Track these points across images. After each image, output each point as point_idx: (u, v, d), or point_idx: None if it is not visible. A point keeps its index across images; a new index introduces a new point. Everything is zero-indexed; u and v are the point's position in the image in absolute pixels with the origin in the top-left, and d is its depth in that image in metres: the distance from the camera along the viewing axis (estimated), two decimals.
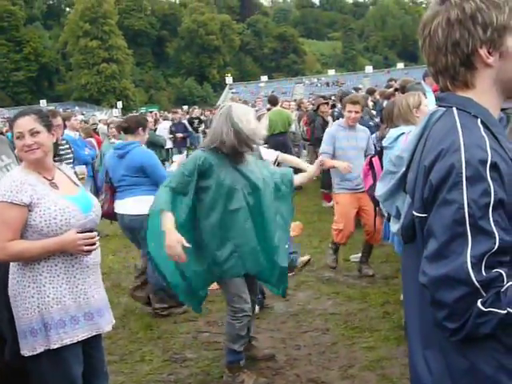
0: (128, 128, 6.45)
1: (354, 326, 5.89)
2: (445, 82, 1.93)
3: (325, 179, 12.16)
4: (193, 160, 4.47)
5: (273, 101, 14.42)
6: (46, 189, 3.41)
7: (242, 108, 4.61)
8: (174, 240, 4.23)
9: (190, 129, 19.52)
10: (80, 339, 3.44)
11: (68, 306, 3.39)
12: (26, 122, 3.41)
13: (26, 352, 3.38)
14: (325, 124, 11.97)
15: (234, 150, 4.46)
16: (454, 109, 1.87)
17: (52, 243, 3.32)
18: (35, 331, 3.35)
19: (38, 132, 3.41)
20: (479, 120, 1.82)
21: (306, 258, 6.93)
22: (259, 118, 5.13)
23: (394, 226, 2.11)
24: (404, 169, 2.03)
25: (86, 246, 3.35)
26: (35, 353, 3.36)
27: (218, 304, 6.62)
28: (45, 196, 3.36)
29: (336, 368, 5.01)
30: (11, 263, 3.45)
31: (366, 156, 7.16)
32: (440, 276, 1.71)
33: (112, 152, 6.51)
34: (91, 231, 3.41)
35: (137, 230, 6.04)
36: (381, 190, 2.20)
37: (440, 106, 1.95)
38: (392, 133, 5.27)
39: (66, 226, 3.35)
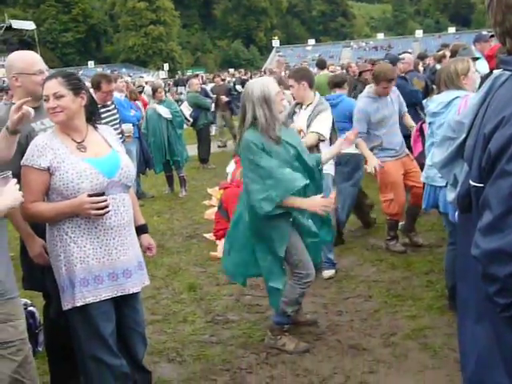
0: (338, 83, 8.08)
1: (397, 293, 5.85)
2: None
3: None
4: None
5: (321, 64, 14.17)
6: (68, 152, 3.45)
7: (260, 90, 4.45)
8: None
9: (235, 92, 19.33)
10: (103, 298, 3.49)
11: (91, 265, 3.45)
12: (52, 85, 3.45)
13: (64, 305, 3.51)
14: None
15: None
16: None
17: (63, 206, 3.41)
18: (63, 288, 3.49)
19: (62, 96, 3.44)
20: None
21: (331, 272, 6.50)
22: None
23: (450, 195, 2.04)
24: (464, 135, 1.95)
25: (94, 210, 3.37)
26: (66, 308, 3.49)
27: None
28: (65, 159, 3.42)
29: (378, 335, 4.99)
30: (47, 224, 3.57)
31: (401, 114, 7.06)
32: (493, 249, 1.65)
33: None
34: (102, 195, 3.41)
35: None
36: (438, 156, 2.12)
37: (505, 70, 1.85)
38: (442, 97, 5.10)
39: (84, 189, 3.39)
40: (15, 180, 3.02)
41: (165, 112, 11.01)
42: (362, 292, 5.98)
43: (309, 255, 4.70)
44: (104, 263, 3.49)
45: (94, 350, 3.53)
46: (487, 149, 1.70)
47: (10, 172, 3.05)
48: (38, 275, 3.89)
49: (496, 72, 1.90)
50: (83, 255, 3.44)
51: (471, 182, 1.80)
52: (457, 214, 4.79)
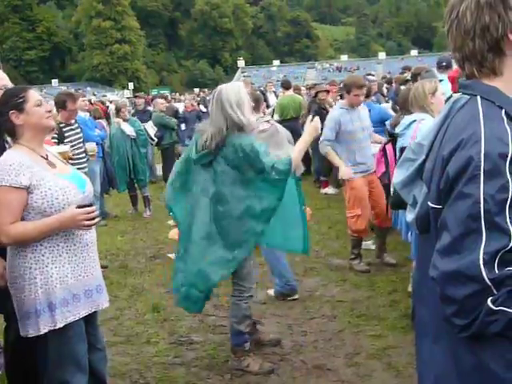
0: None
1: (361, 313, 5.86)
2: (471, 68, 1.85)
3: (320, 167, 12.19)
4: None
5: (286, 85, 14.29)
6: (43, 169, 3.38)
7: (233, 93, 4.44)
8: None
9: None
10: (81, 316, 3.46)
11: (70, 284, 3.40)
12: (37, 93, 3.52)
13: (30, 332, 3.37)
14: (320, 112, 11.88)
15: None
16: (478, 97, 1.79)
17: (53, 221, 3.31)
18: (39, 312, 3.34)
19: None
20: (503, 111, 1.75)
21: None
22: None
23: (409, 216, 2.07)
24: (424, 157, 1.97)
25: (86, 220, 3.34)
26: (40, 333, 3.36)
27: (224, 288, 6.60)
28: (44, 177, 3.34)
29: (342, 355, 4.99)
30: (10, 247, 3.44)
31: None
32: (451, 271, 1.67)
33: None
34: (90, 206, 3.40)
35: None
36: (399, 177, 2.14)
37: (464, 94, 1.88)
38: (405, 120, 5.22)
39: (67, 205, 3.34)
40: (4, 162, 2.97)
41: (129, 130, 10.95)
42: (326, 312, 5.98)
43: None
44: (81, 281, 3.46)
45: (67, 375, 3.46)
46: (445, 171, 1.73)
47: None
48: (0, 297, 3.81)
49: (455, 95, 1.94)
50: (62, 275, 3.37)
51: (430, 204, 1.83)
52: (413, 234, 4.89)
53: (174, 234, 8.94)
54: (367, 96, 8.99)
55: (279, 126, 5.91)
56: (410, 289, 5.78)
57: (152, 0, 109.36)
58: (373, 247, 7.82)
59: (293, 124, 11.61)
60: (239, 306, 4.71)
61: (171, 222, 10.02)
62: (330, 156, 6.98)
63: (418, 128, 4.91)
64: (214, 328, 5.72)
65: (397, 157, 5.58)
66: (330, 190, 12.06)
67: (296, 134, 11.16)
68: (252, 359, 4.82)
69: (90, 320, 3.63)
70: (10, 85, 4.05)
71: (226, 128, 4.37)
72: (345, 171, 6.81)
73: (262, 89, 23.65)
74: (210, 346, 5.34)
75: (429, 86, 5.10)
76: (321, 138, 6.95)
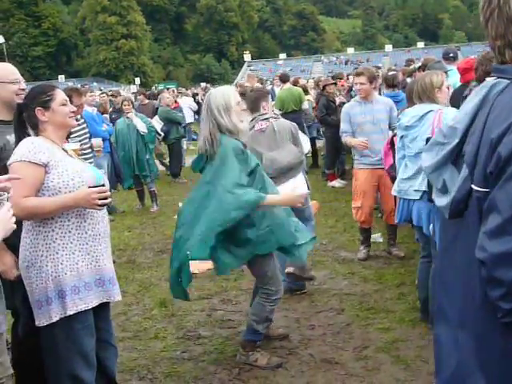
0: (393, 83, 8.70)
1: (369, 306, 5.84)
2: None
3: (328, 160, 12.20)
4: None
5: (283, 78, 14.33)
6: (61, 154, 3.51)
7: (221, 98, 4.43)
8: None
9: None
10: (94, 305, 3.49)
11: (81, 272, 3.43)
12: (63, 93, 3.66)
13: (43, 321, 3.41)
14: (328, 105, 11.89)
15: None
16: None
17: (66, 198, 3.37)
18: (50, 300, 3.38)
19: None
20: None
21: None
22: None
23: (441, 200, 2.03)
24: (457, 140, 1.95)
25: (99, 200, 3.38)
26: (51, 321, 3.38)
27: (232, 282, 6.62)
28: (62, 159, 3.45)
29: (350, 349, 4.98)
30: (23, 236, 3.47)
31: (391, 128, 7.07)
32: (501, 253, 1.65)
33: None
34: (102, 186, 3.45)
35: None
36: (428, 161, 2.12)
37: (500, 78, 1.87)
38: (416, 111, 5.11)
39: (83, 185, 3.42)
40: (9, 204, 2.92)
41: (142, 126, 10.93)
42: (334, 305, 5.96)
43: (279, 272, 4.68)
44: (92, 269, 3.49)
45: (75, 369, 3.47)
46: (496, 153, 1.71)
47: (6, 195, 2.99)
48: (7, 292, 3.81)
49: (490, 80, 1.93)
50: (72, 262, 3.41)
51: (474, 187, 1.80)
52: (432, 226, 4.83)
53: None
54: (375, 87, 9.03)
55: (280, 122, 5.87)
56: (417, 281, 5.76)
57: None
58: (380, 240, 7.83)
59: (294, 117, 11.51)
60: (264, 307, 4.67)
61: None
62: (349, 143, 7.20)
63: (443, 117, 4.80)
64: (222, 323, 5.72)
65: (397, 149, 5.52)
66: (336, 183, 12.04)
67: (298, 126, 11.20)
68: (260, 354, 4.81)
69: (102, 315, 3.65)
70: (21, 78, 4.09)
71: (218, 132, 4.40)
72: (357, 142, 6.94)
73: (269, 82, 23.68)
74: (218, 340, 5.34)
75: (436, 78, 5.02)
76: (340, 131, 7.34)
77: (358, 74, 7.05)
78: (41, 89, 3.62)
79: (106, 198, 3.42)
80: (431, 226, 5.01)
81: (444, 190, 2.00)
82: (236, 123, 4.43)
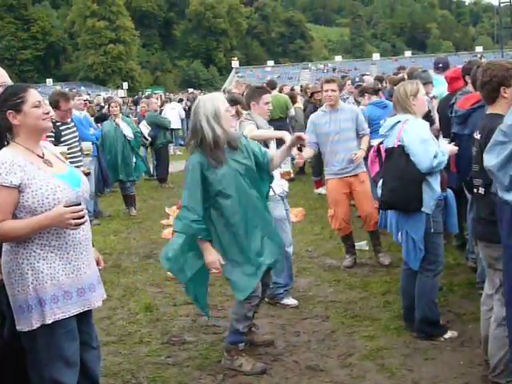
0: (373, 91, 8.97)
1: (354, 314, 5.85)
2: None
3: (315, 167, 12.23)
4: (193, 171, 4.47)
5: (271, 85, 14.37)
6: (35, 169, 3.37)
7: (210, 105, 4.46)
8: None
9: None
10: (72, 314, 3.45)
11: (61, 281, 3.39)
12: (37, 93, 3.50)
13: (23, 327, 3.38)
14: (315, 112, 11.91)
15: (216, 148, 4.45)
16: None
17: (39, 220, 3.29)
18: (31, 307, 3.35)
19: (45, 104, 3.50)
20: None
21: (292, 302, 6.21)
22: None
23: (509, 195, 2.06)
24: None
25: (73, 219, 3.30)
26: (32, 328, 3.36)
27: (217, 288, 6.60)
28: (35, 176, 3.33)
29: (335, 356, 4.97)
30: (4, 243, 3.44)
31: (359, 136, 7.12)
32: None
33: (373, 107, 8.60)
34: (78, 205, 3.34)
35: None
36: (491, 161, 2.15)
37: None
38: (390, 120, 5.22)
39: (58, 204, 3.32)
40: None
41: (128, 131, 10.92)
42: (319, 312, 5.96)
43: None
44: (73, 279, 3.44)
45: (56, 374, 3.44)
46: None
47: None
48: None
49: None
50: (53, 272, 3.37)
51: None
52: (401, 234, 4.90)
53: (167, 233, 8.94)
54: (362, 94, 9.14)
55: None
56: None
57: (147, 0, 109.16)
58: (366, 248, 7.86)
59: (280, 124, 11.53)
60: (242, 305, 4.68)
61: (164, 222, 10.03)
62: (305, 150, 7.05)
63: (403, 129, 4.92)
64: (207, 328, 5.70)
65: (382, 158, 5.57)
66: (323, 190, 12.02)
67: None
68: (245, 359, 4.80)
69: (83, 318, 3.61)
70: (9, 82, 4.03)
71: (199, 143, 4.45)
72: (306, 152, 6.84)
73: None
74: (203, 346, 5.32)
75: (410, 87, 5.10)
76: None
77: (329, 81, 7.03)
78: (12, 90, 3.45)
79: (81, 217, 3.34)
80: (399, 233, 5.11)
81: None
82: (227, 129, 4.45)
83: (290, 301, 6.18)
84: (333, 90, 6.96)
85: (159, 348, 5.34)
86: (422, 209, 4.89)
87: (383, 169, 5.18)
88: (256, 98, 6.01)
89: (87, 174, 7.89)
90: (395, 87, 5.57)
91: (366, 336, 5.30)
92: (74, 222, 3.30)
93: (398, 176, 4.91)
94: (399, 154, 4.94)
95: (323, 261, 7.66)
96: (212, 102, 4.45)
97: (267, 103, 6.00)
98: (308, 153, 6.88)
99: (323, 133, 7.06)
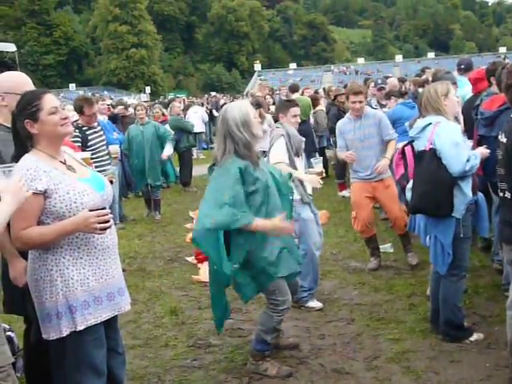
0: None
1: (380, 317, 5.83)
2: None
3: (337, 170, 12.23)
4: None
5: (293, 88, 14.39)
6: (60, 174, 3.36)
7: (239, 113, 4.46)
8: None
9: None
10: (103, 319, 3.45)
11: (92, 287, 3.39)
12: (54, 98, 3.43)
13: (52, 335, 3.37)
14: (339, 114, 11.92)
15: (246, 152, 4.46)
16: None
17: (65, 225, 3.28)
18: (61, 314, 3.33)
19: (62, 108, 3.45)
20: None
21: (317, 305, 6.21)
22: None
23: None
24: None
25: (99, 223, 3.29)
26: (62, 335, 3.34)
27: None
28: (61, 181, 3.33)
29: (361, 359, 4.97)
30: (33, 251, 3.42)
31: (383, 141, 7.09)
32: None
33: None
34: (103, 209, 3.35)
35: None
36: None
37: None
38: (419, 123, 5.15)
39: (84, 209, 3.32)
40: (20, 174, 2.91)
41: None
42: (344, 315, 5.95)
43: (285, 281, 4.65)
44: (102, 284, 3.45)
45: (84, 380, 3.44)
46: None
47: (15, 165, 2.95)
48: (19, 299, 3.82)
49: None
50: (83, 277, 3.36)
51: None
52: (429, 238, 4.86)
53: (191, 237, 8.98)
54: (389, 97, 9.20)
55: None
56: (428, 292, 5.75)
57: (168, 4, 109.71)
58: (391, 250, 7.84)
59: (303, 127, 11.53)
60: (272, 317, 4.66)
61: (189, 226, 10.06)
62: (339, 158, 7.67)
63: (435, 132, 4.85)
64: (232, 331, 5.71)
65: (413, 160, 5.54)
66: (346, 192, 12.01)
67: (308, 136, 11.26)
68: (270, 363, 4.81)
69: (110, 324, 3.61)
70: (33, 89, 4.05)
71: (233, 149, 4.43)
72: (344, 154, 7.13)
73: (276, 92, 23.72)
74: (228, 349, 5.34)
75: (441, 88, 5.03)
76: (337, 147, 7.61)
77: (357, 93, 7.00)
78: (27, 99, 3.39)
79: (106, 221, 3.33)
80: (427, 237, 5.06)
81: None
82: (256, 134, 4.48)
83: (314, 303, 6.18)
84: (360, 102, 7.00)
85: (185, 351, 5.36)
86: (453, 214, 4.82)
87: (413, 172, 5.07)
88: (284, 110, 6.15)
89: (111, 183, 7.90)
90: (421, 89, 5.54)
91: (392, 339, 5.29)
92: (99, 226, 3.29)
93: (429, 180, 4.83)
94: (430, 158, 4.85)
95: (348, 263, 7.65)
96: (240, 110, 4.47)
97: (295, 116, 6.11)
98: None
99: (349, 139, 7.12)
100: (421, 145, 5.01)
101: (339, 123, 7.39)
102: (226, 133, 4.44)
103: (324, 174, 6.18)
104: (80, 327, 3.34)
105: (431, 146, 4.85)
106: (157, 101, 29.70)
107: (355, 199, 7.29)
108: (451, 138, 4.79)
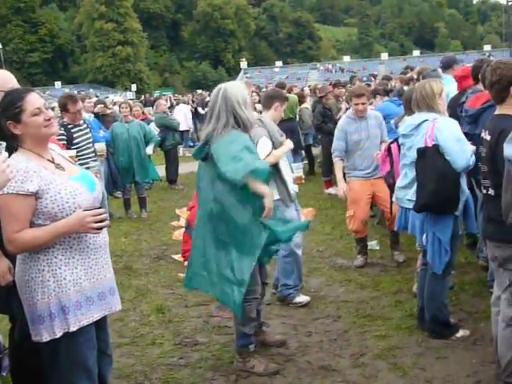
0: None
1: (366, 313, 5.85)
2: None
3: (324, 167, 12.23)
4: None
5: (280, 86, 14.40)
6: (50, 173, 3.29)
7: (240, 92, 4.56)
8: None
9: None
10: (95, 319, 3.41)
11: (84, 287, 3.33)
12: (37, 98, 3.32)
13: (45, 336, 3.29)
14: (325, 112, 11.96)
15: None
16: None
17: (59, 226, 3.22)
18: (53, 315, 3.26)
19: (47, 108, 3.34)
20: None
21: (304, 299, 6.24)
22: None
23: None
24: None
25: (95, 223, 3.25)
26: (55, 337, 3.28)
27: None
28: (52, 181, 3.25)
29: (347, 356, 4.98)
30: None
31: (381, 142, 7.10)
32: None
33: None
34: (99, 208, 3.31)
35: None
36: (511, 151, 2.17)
37: None
38: (411, 120, 5.13)
39: (78, 209, 3.26)
40: (4, 156, 2.85)
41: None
42: (331, 312, 5.97)
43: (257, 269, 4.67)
44: (94, 283, 3.39)
45: (77, 381, 3.40)
46: None
47: (4, 144, 2.88)
48: (3, 297, 3.79)
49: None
50: (76, 277, 3.29)
51: None
52: (425, 236, 4.84)
53: (178, 234, 8.98)
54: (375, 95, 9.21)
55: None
56: (414, 289, 5.77)
57: (154, 2, 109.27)
58: (377, 247, 7.87)
59: (289, 124, 11.57)
60: (243, 307, 4.67)
61: (175, 223, 10.05)
62: (335, 167, 7.43)
63: (436, 127, 4.80)
64: (219, 329, 5.72)
65: (400, 157, 5.53)
66: (333, 190, 12.03)
67: (295, 134, 11.27)
68: (257, 360, 4.81)
69: (100, 325, 3.55)
70: (17, 86, 4.02)
71: (232, 125, 4.47)
72: (340, 188, 7.21)
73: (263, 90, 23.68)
74: (215, 346, 5.34)
75: (436, 86, 5.01)
76: (332, 148, 7.35)
77: (359, 96, 7.03)
78: (9, 99, 3.27)
79: (102, 221, 3.28)
80: (424, 235, 5.03)
81: None
82: (252, 116, 4.61)
83: (301, 298, 6.19)
84: (363, 104, 7.06)
85: (171, 349, 5.36)
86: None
87: (416, 170, 4.95)
88: (283, 100, 6.08)
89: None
90: (406, 86, 5.53)
91: (378, 335, 5.31)
92: (95, 225, 3.25)
93: (438, 177, 4.75)
94: (435, 154, 4.78)
95: (334, 261, 7.67)
96: (240, 89, 4.59)
97: (277, 110, 6.04)
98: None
99: (354, 140, 7.12)
100: (419, 141, 4.96)
101: (342, 123, 7.34)
102: (228, 109, 4.46)
103: (303, 181, 6.15)
104: (73, 328, 3.28)
105: (434, 143, 4.81)
106: (136, 100, 29.52)
107: (354, 197, 7.23)
108: (454, 134, 4.79)
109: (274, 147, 5.70)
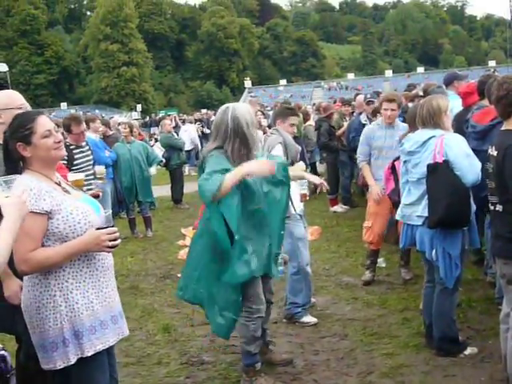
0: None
1: (373, 332, 5.82)
2: None
3: (330, 185, 12.20)
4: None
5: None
6: (61, 194, 3.29)
7: (248, 114, 4.57)
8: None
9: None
10: (111, 344, 3.37)
11: (96, 310, 3.28)
12: (47, 120, 3.34)
13: (59, 363, 3.23)
14: (331, 130, 11.98)
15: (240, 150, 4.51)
16: None
17: (73, 246, 3.20)
18: (67, 341, 3.22)
19: (56, 130, 3.36)
20: None
21: (311, 320, 6.18)
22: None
23: None
24: None
25: (109, 241, 3.25)
26: (70, 363, 3.23)
27: None
28: (63, 202, 3.25)
29: (354, 374, 4.95)
30: (29, 276, 3.29)
31: None
32: None
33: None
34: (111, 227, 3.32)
35: None
36: None
37: None
38: (417, 137, 5.09)
39: (91, 228, 3.27)
40: (22, 188, 2.86)
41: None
42: (337, 331, 5.94)
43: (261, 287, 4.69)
44: (106, 306, 3.35)
45: None
46: None
47: (16, 177, 2.89)
48: (10, 318, 3.79)
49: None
50: (87, 301, 3.25)
51: None
52: (435, 251, 4.82)
53: (183, 254, 8.96)
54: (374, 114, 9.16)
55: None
56: (421, 306, 5.75)
57: (159, 23, 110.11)
58: (383, 265, 7.83)
59: (296, 142, 11.53)
60: (248, 326, 4.67)
61: (180, 242, 10.05)
62: (364, 173, 7.34)
63: (445, 143, 4.79)
64: (225, 348, 5.69)
65: (401, 174, 5.50)
66: (339, 208, 12.05)
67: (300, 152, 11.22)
68: (264, 379, 4.79)
69: (109, 349, 3.50)
70: (27, 104, 4.08)
71: (239, 146, 4.49)
72: (375, 190, 7.04)
73: (269, 108, 23.77)
74: (222, 366, 5.32)
75: (442, 103, 4.98)
76: (357, 154, 7.43)
77: (390, 100, 7.04)
78: (20, 121, 3.29)
79: (115, 239, 3.28)
80: (433, 251, 5.00)
81: None
82: (257, 136, 4.66)
83: (308, 318, 6.16)
84: (392, 110, 7.04)
85: (178, 369, 5.34)
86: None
87: (427, 186, 4.91)
88: (283, 116, 6.13)
89: (97, 197, 7.81)
90: (411, 103, 5.51)
91: (386, 353, 5.28)
92: (110, 243, 3.25)
93: (451, 192, 4.73)
94: (446, 170, 4.77)
95: (340, 279, 7.64)
96: (248, 111, 4.61)
97: (292, 125, 6.10)
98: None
99: (377, 146, 7.11)
100: (426, 158, 4.93)
101: (367, 130, 7.39)
102: (236, 128, 4.46)
103: (307, 198, 6.13)
104: (88, 353, 3.24)
105: (444, 158, 4.79)
106: (140, 119, 29.53)
107: (374, 210, 7.16)
108: (463, 150, 4.80)
109: (290, 155, 5.82)
